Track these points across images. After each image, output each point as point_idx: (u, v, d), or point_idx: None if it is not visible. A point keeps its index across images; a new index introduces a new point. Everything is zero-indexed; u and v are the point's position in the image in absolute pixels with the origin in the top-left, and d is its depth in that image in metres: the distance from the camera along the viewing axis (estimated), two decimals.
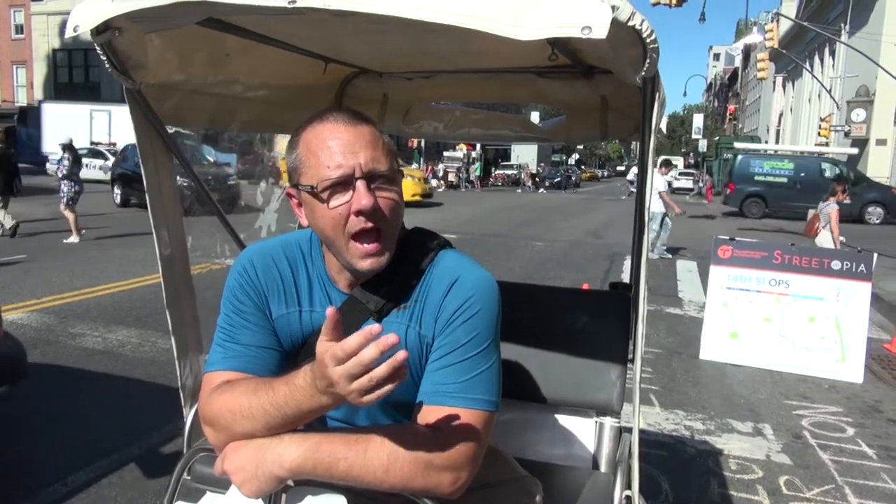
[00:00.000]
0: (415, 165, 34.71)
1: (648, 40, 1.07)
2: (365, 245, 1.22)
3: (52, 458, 3.36)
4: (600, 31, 0.97)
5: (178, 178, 1.76)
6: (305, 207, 1.27)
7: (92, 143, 25.93)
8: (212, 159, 17.78)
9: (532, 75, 2.07)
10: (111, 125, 27.60)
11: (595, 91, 2.09)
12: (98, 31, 1.32)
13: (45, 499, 2.99)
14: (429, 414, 1.21)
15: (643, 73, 1.17)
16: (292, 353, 1.36)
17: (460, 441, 1.17)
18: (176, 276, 1.70)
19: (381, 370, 1.00)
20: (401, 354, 1.00)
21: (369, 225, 1.20)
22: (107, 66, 1.44)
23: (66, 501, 2.99)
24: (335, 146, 1.20)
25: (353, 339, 1.00)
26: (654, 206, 10.25)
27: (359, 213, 1.19)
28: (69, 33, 1.31)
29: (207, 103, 1.80)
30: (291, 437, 1.15)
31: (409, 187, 22.31)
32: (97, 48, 1.40)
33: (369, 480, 1.13)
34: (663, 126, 1.73)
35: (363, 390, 1.01)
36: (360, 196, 1.19)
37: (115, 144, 25.00)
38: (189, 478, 1.61)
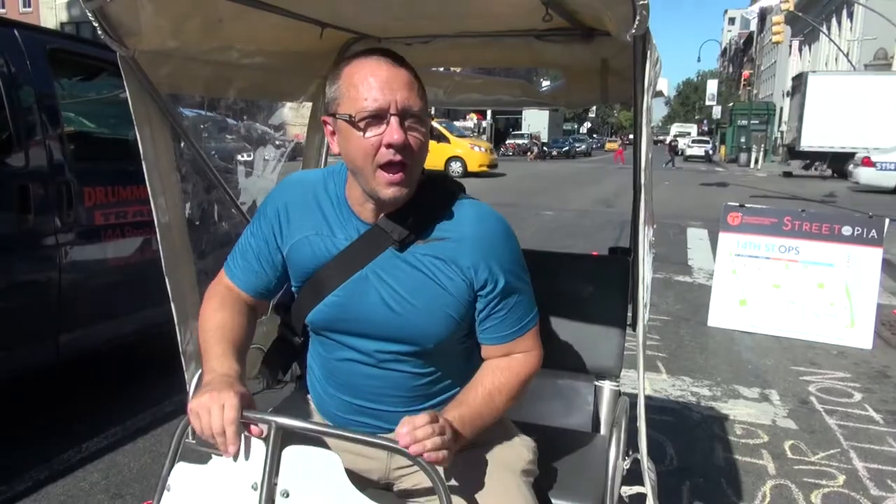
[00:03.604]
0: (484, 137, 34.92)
1: None
2: (391, 174, 1.32)
3: (66, 427, 3.43)
4: None
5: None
6: (339, 135, 1.36)
7: None
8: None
9: (531, 38, 2.04)
10: None
11: (595, 54, 2.06)
12: None
13: (60, 465, 3.06)
14: (505, 348, 1.47)
15: (634, 31, 1.15)
16: (299, 281, 1.50)
17: (532, 351, 1.49)
18: (174, 243, 1.72)
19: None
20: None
21: (398, 158, 1.30)
22: (99, 32, 1.43)
23: (80, 468, 3.06)
24: (374, 82, 1.30)
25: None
26: None
27: (389, 145, 1.29)
28: None
29: (202, 70, 1.79)
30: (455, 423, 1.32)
31: (477, 158, 22.96)
32: (89, 14, 1.39)
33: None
34: (665, 89, 1.71)
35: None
36: (393, 130, 1.29)
37: None
38: (193, 441, 1.64)
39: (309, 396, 1.65)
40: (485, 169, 22.98)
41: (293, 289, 1.54)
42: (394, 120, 1.29)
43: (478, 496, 1.38)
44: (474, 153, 23.30)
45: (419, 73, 2.40)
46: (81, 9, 1.33)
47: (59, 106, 3.34)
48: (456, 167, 22.60)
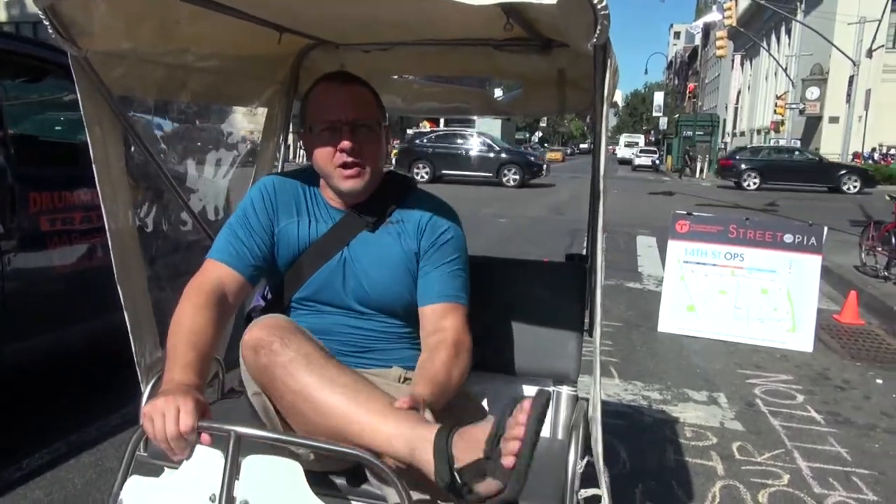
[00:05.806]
0: None
1: (599, 6, 1.08)
2: (347, 170, 1.60)
3: (3, 442, 3.28)
4: None
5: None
6: (307, 146, 1.65)
7: None
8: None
9: (490, 48, 2.06)
10: None
11: (552, 64, 2.09)
12: None
13: None
14: (440, 309, 1.64)
15: (594, 41, 1.17)
16: (286, 263, 1.68)
17: (464, 329, 1.64)
18: (126, 250, 1.67)
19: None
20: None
21: (350, 159, 1.58)
22: (50, 31, 1.39)
23: (20, 485, 2.92)
24: (330, 100, 1.61)
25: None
26: None
27: (342, 150, 1.58)
28: None
29: (156, 72, 1.76)
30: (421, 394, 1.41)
31: None
32: (40, 13, 1.35)
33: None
34: (619, 100, 1.75)
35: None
36: (343, 138, 1.57)
37: None
38: (146, 454, 1.60)
39: None
40: None
41: (280, 272, 1.70)
42: (345, 129, 1.58)
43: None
44: None
45: (378, 80, 2.41)
46: (21, 8, 1.29)
47: (3, 108, 3.23)
48: None
